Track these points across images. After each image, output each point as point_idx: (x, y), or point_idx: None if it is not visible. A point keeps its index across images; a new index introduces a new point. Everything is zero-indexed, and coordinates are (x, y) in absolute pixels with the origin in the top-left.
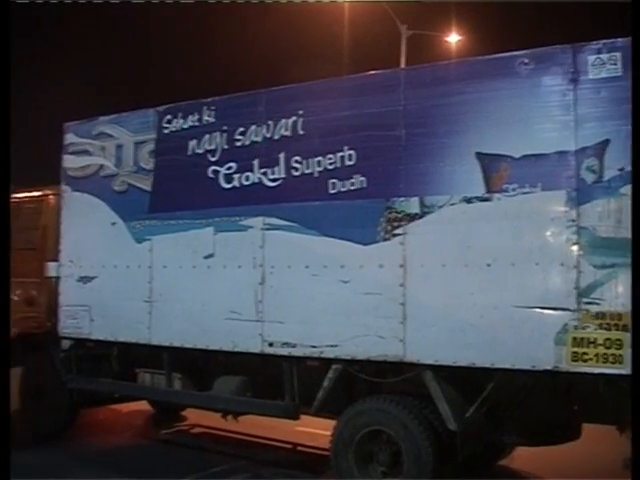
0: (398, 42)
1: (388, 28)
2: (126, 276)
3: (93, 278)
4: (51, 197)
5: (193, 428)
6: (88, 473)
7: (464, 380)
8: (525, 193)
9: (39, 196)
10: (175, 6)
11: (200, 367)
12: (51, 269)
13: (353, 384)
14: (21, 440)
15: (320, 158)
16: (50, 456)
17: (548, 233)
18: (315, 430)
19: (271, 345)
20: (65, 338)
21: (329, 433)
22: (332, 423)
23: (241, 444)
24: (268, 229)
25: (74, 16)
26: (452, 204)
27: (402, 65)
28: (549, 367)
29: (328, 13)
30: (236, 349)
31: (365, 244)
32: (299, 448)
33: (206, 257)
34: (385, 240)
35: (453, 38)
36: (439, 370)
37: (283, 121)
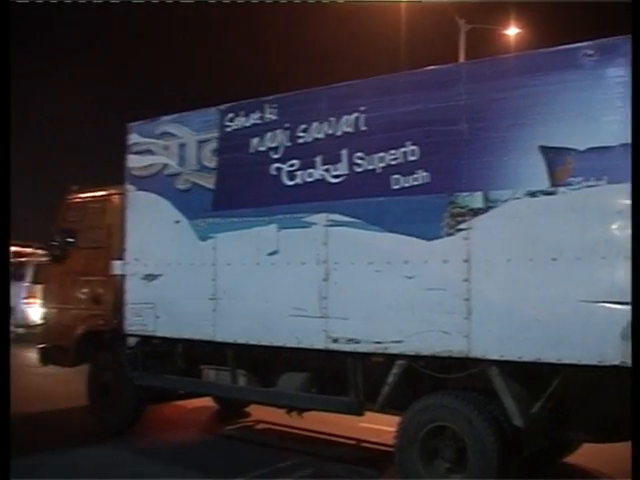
0: (456, 37)
1: (446, 23)
2: (190, 274)
3: (158, 276)
4: (116, 196)
5: (257, 424)
6: (153, 468)
7: (529, 375)
8: (590, 186)
9: (104, 196)
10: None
11: (264, 363)
12: (116, 267)
13: (417, 380)
14: (90, 435)
15: (382, 154)
16: (117, 451)
17: (614, 226)
18: (378, 426)
19: (335, 341)
20: (131, 335)
21: (392, 429)
22: (395, 419)
23: (305, 440)
24: (331, 225)
25: (143, 17)
26: (516, 198)
27: (461, 60)
28: (616, 362)
29: (385, 10)
30: (300, 345)
31: (429, 239)
32: (363, 444)
33: (270, 254)
34: (449, 235)
35: (512, 31)
36: (504, 365)
37: (345, 117)
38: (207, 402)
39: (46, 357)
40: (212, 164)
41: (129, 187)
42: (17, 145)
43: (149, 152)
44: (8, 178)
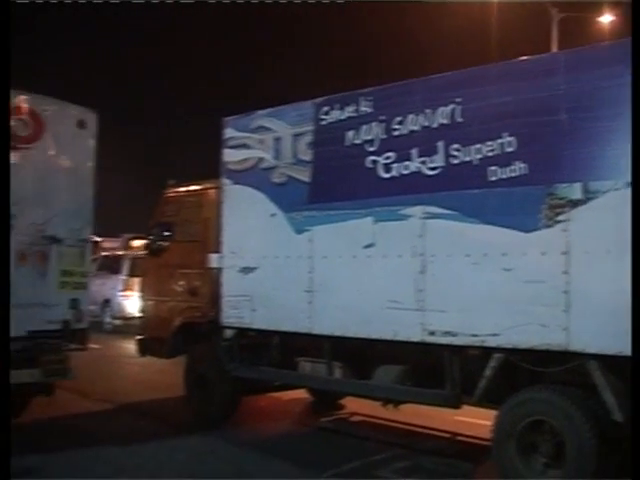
0: (548, 26)
1: (538, 12)
2: (286, 266)
3: (254, 269)
4: (212, 191)
5: (352, 416)
6: (249, 458)
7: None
8: None
9: (200, 190)
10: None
11: (360, 356)
12: (213, 260)
13: (514, 373)
14: (186, 426)
15: (479, 145)
16: (212, 442)
17: None
18: (473, 419)
19: (432, 334)
20: (227, 327)
21: (487, 423)
22: (491, 413)
23: (399, 433)
24: (428, 218)
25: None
26: (616, 189)
27: (553, 49)
28: None
29: (477, 2)
30: (396, 338)
31: (527, 231)
32: (458, 437)
33: (366, 247)
34: (547, 227)
35: (606, 18)
36: (603, 359)
37: (441, 109)
38: (302, 394)
39: (144, 348)
40: (307, 157)
41: (225, 181)
42: (118, 142)
43: (245, 146)
44: (8, 178)
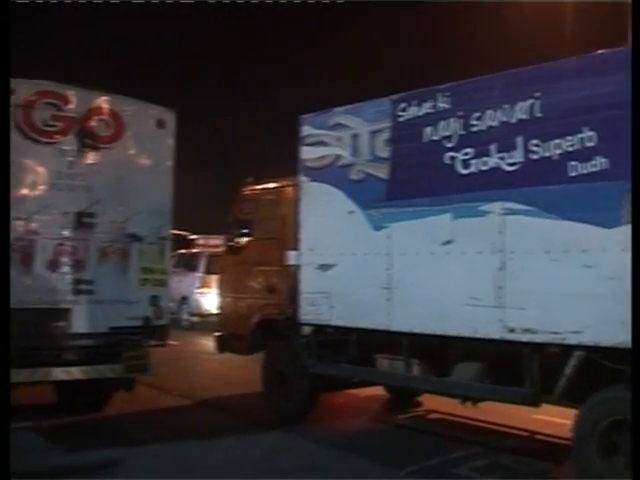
0: (624, 17)
1: (612, 6)
2: (365, 263)
3: (332, 266)
4: (290, 188)
5: (429, 414)
6: (327, 455)
7: None
8: None
9: (278, 187)
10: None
11: (438, 353)
12: (291, 257)
13: (595, 372)
14: (263, 422)
15: (559, 140)
16: (290, 438)
17: None
18: (552, 418)
19: (512, 331)
20: (305, 324)
21: (567, 422)
22: (570, 411)
23: (478, 431)
24: (507, 214)
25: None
26: None
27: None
28: None
29: None
30: (475, 335)
31: (608, 227)
32: (537, 436)
33: (444, 243)
34: (629, 223)
35: None
36: None
37: (520, 104)
38: (379, 391)
39: (223, 345)
40: (385, 154)
41: (303, 178)
42: (200, 141)
43: (322, 143)
44: (8, 178)
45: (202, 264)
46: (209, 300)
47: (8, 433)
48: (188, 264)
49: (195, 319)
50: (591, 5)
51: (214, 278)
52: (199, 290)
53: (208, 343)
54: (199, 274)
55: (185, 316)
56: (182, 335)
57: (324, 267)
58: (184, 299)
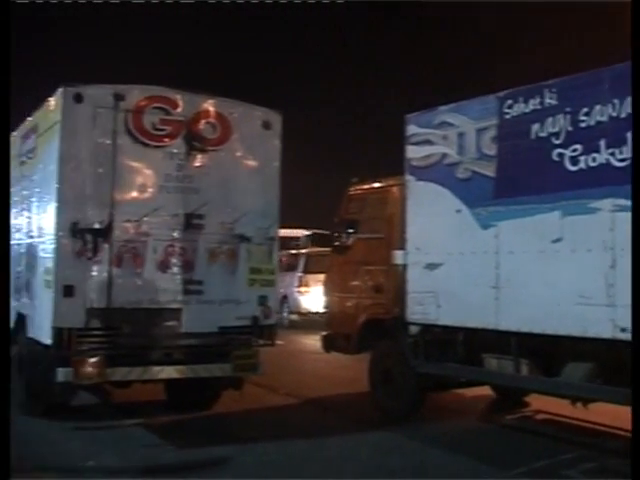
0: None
1: None
2: (472, 262)
3: (439, 265)
4: (395, 187)
5: (537, 414)
6: (433, 454)
7: None
8: None
9: (384, 187)
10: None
11: (547, 352)
12: (398, 257)
13: None
14: (370, 421)
15: None
16: (397, 437)
17: None
18: None
19: (623, 330)
20: (413, 324)
21: None
22: None
23: (587, 432)
24: (618, 211)
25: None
26: None
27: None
28: None
29: None
30: (586, 334)
31: None
32: None
33: (553, 241)
34: None
35: None
36: None
37: (629, 98)
38: (486, 391)
39: (329, 344)
40: (492, 152)
41: (409, 177)
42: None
43: (428, 142)
44: (8, 178)
45: (301, 263)
46: (308, 299)
47: (8, 432)
48: (288, 263)
49: (294, 317)
50: None
51: (312, 277)
52: (298, 289)
53: (310, 342)
54: (298, 273)
55: (285, 315)
56: (284, 334)
57: (431, 266)
58: (284, 298)
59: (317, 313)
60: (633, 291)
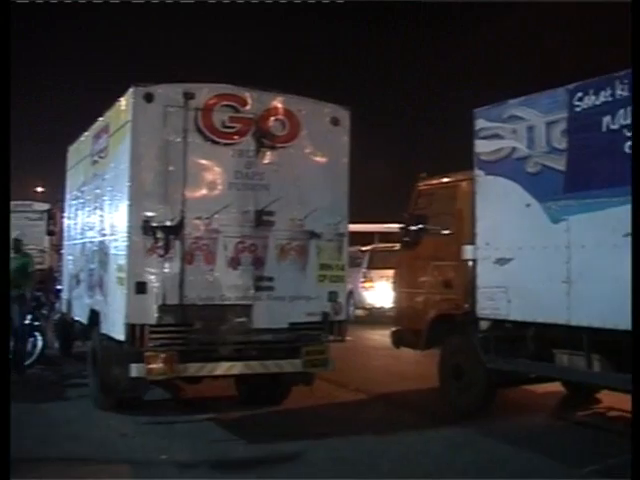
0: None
1: None
2: (543, 257)
3: (509, 260)
4: (465, 182)
5: (609, 411)
6: (505, 450)
7: None
8: None
9: (453, 181)
10: None
11: (620, 348)
12: (468, 252)
13: None
14: (440, 417)
15: None
16: (468, 433)
17: None
18: None
19: None
20: (483, 319)
21: None
22: None
23: None
24: None
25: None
26: None
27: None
28: None
29: None
30: None
31: None
32: None
33: (626, 235)
34: None
35: None
36: None
37: None
38: (556, 387)
39: (399, 340)
40: (562, 145)
41: (478, 172)
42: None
43: (497, 136)
44: (8, 177)
45: (366, 259)
46: (372, 294)
47: (8, 432)
48: (353, 259)
49: (359, 312)
50: None
51: (377, 273)
52: (363, 285)
53: (376, 337)
54: (363, 269)
55: (351, 310)
56: (349, 329)
57: (501, 261)
58: (350, 293)
59: (381, 308)
60: (633, 290)
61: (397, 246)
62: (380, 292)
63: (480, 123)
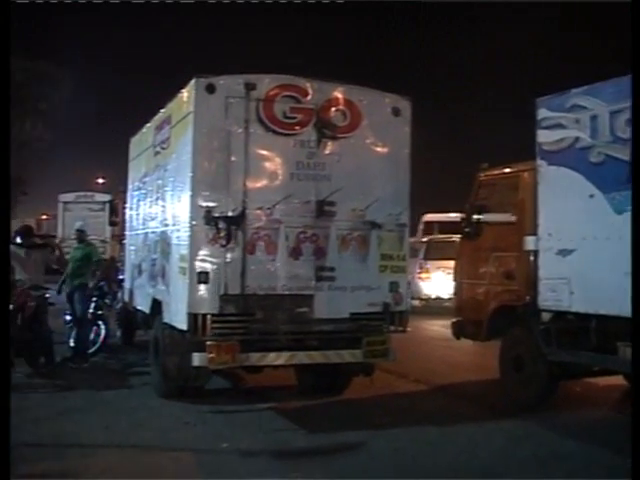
0: None
1: None
2: (606, 248)
3: (572, 251)
4: (527, 173)
5: None
6: (566, 444)
7: None
8: None
9: (515, 172)
10: None
11: None
12: (530, 243)
13: None
14: (503, 409)
15: None
16: (531, 426)
17: None
18: None
19: None
20: (545, 311)
21: None
22: None
23: None
24: None
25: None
26: None
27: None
28: None
29: None
30: None
31: None
32: None
33: None
34: None
35: None
36: None
37: None
38: (618, 380)
39: (459, 331)
40: (626, 135)
41: (540, 162)
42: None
43: (559, 126)
44: (8, 177)
45: (423, 250)
46: (429, 285)
47: (8, 432)
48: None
49: (416, 303)
50: None
51: (433, 263)
52: (419, 275)
53: (433, 327)
54: (420, 259)
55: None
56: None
57: (564, 252)
58: (407, 284)
59: (438, 299)
60: (633, 289)
61: (454, 237)
62: (437, 283)
63: (542, 113)
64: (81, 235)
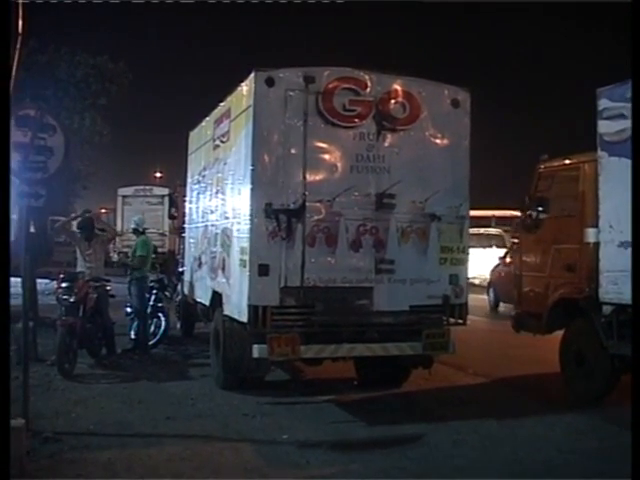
0: None
1: None
2: None
3: None
4: (587, 164)
5: None
6: (627, 436)
7: None
8: None
9: (576, 163)
10: None
11: None
12: (590, 235)
13: None
14: (564, 402)
15: None
16: (593, 419)
17: None
18: None
19: None
20: (606, 304)
21: None
22: None
23: None
24: None
25: None
26: None
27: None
28: None
29: None
30: None
31: None
32: None
33: None
34: None
35: None
36: None
37: None
38: None
39: (519, 324)
40: None
41: (601, 153)
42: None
43: (621, 116)
44: (8, 178)
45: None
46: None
47: (8, 431)
48: None
49: None
50: None
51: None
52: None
53: (487, 319)
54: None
55: None
56: None
57: (625, 244)
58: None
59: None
60: (633, 288)
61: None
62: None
63: (603, 103)
64: (137, 229)
